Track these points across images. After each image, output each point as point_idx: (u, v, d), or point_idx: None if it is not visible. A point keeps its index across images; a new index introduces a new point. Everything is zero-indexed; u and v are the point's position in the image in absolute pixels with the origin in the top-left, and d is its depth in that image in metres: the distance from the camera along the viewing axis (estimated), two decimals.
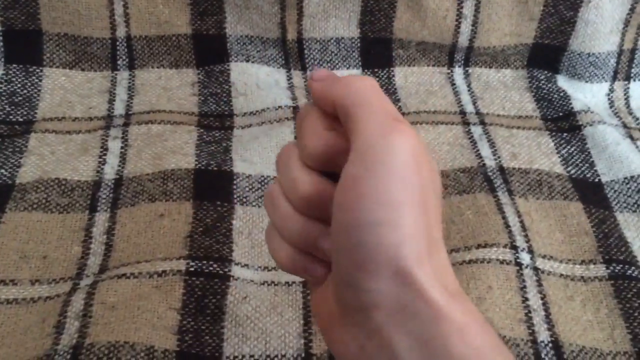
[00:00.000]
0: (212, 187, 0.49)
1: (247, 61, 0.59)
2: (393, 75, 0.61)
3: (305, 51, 0.60)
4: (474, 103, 0.60)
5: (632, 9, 0.59)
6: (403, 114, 0.58)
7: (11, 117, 0.54)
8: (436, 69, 0.62)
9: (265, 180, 0.50)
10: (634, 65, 0.62)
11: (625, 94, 0.62)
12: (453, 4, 0.58)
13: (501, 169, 0.53)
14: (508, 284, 0.43)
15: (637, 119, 0.60)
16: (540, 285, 0.44)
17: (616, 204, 0.51)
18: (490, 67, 0.62)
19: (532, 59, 0.62)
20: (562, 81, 0.61)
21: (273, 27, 0.59)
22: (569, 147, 0.55)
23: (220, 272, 0.43)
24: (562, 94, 0.60)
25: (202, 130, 0.54)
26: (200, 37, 0.58)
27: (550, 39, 0.61)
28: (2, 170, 0.49)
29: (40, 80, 0.56)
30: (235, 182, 0.50)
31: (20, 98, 0.55)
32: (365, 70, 0.61)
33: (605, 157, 0.54)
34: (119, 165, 0.51)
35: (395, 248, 0.22)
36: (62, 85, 0.57)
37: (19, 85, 0.55)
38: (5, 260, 0.44)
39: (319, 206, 0.26)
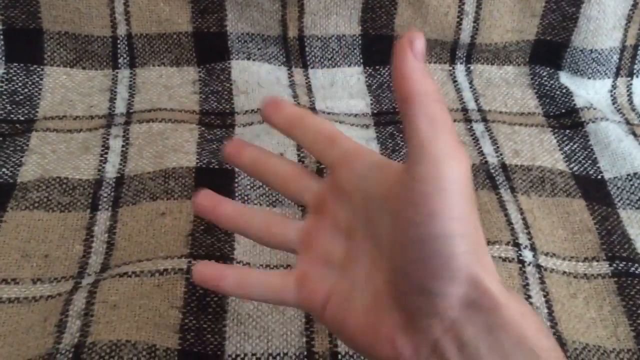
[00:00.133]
0: (213, 186, 0.48)
1: (248, 59, 0.59)
2: None
3: (307, 48, 0.60)
4: (476, 100, 0.60)
5: (634, 5, 0.59)
6: None
7: (12, 115, 0.54)
8: (438, 66, 0.61)
9: None
10: (636, 62, 0.62)
11: (628, 91, 0.62)
12: (454, 1, 0.58)
13: (503, 166, 0.53)
14: (511, 281, 0.43)
15: None
16: (543, 282, 0.44)
17: (619, 201, 0.51)
18: (492, 64, 0.62)
19: (534, 56, 0.61)
20: (565, 78, 0.61)
21: (274, 24, 0.59)
22: (571, 144, 0.55)
23: None
24: (564, 91, 0.60)
25: (203, 129, 0.54)
26: (201, 35, 0.58)
27: (553, 35, 0.60)
28: (4, 169, 0.49)
29: (41, 79, 0.56)
30: (236, 180, 0.50)
31: (21, 97, 0.55)
32: (367, 68, 0.60)
33: (608, 153, 0.54)
34: (120, 164, 0.50)
35: (466, 255, 0.25)
36: (63, 84, 0.57)
37: (19, 84, 0.55)
38: (7, 259, 0.44)
39: None
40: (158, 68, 0.59)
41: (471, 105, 0.59)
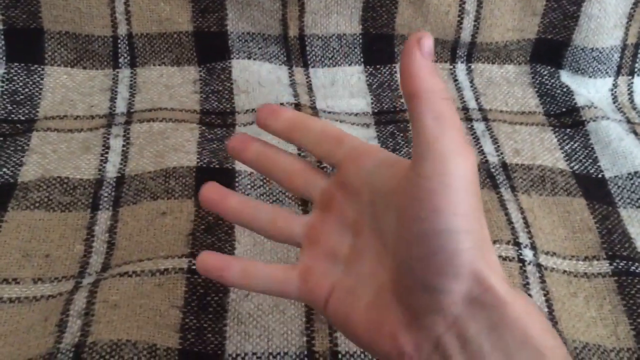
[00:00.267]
0: None
1: (249, 58, 0.59)
2: (395, 72, 0.60)
3: (307, 48, 0.60)
4: (477, 99, 0.59)
5: (635, 4, 0.59)
6: (405, 110, 0.58)
7: (13, 115, 0.54)
8: (438, 64, 0.61)
9: (267, 178, 0.50)
10: (637, 60, 0.61)
11: (629, 89, 0.61)
12: (455, 0, 0.58)
13: (504, 165, 0.53)
14: (511, 280, 0.43)
15: None
16: (543, 281, 0.44)
17: (620, 200, 0.51)
18: (493, 63, 0.62)
19: (535, 55, 0.61)
20: (565, 76, 0.61)
21: (274, 23, 0.59)
22: (572, 142, 0.55)
23: None
24: (565, 90, 0.60)
25: (204, 128, 0.54)
26: (201, 34, 0.58)
27: (553, 34, 0.60)
28: (4, 169, 0.49)
29: (42, 79, 0.56)
30: (237, 179, 0.50)
31: (22, 97, 0.55)
32: (367, 67, 0.60)
33: (609, 152, 0.54)
34: (121, 164, 0.51)
35: (470, 252, 0.25)
36: (64, 84, 0.57)
37: (20, 83, 0.56)
38: (8, 259, 0.44)
39: None
40: (159, 67, 0.59)
41: (472, 104, 0.59)
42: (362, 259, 0.31)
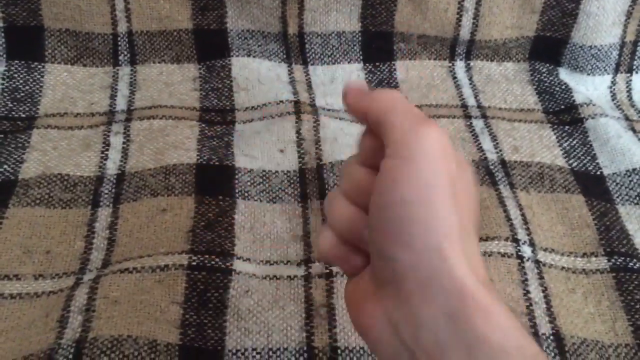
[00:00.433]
0: (213, 182, 0.49)
1: (249, 56, 0.59)
2: (394, 69, 0.61)
3: (307, 45, 0.60)
4: (476, 96, 0.60)
5: (634, 1, 0.59)
6: None
7: (13, 113, 0.54)
8: (437, 62, 0.62)
9: (267, 175, 0.50)
10: (636, 58, 0.62)
11: (627, 87, 0.62)
12: None
13: (503, 162, 0.53)
14: (509, 277, 0.44)
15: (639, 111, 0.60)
16: (541, 278, 0.44)
17: (618, 197, 0.51)
18: (492, 60, 0.62)
19: (534, 52, 0.61)
20: (564, 74, 0.61)
21: (274, 21, 0.59)
22: (570, 140, 0.55)
23: (222, 266, 0.43)
24: (563, 87, 0.60)
25: (203, 125, 0.54)
26: (201, 32, 0.58)
27: (552, 31, 0.60)
28: (5, 166, 0.49)
29: (42, 76, 0.56)
30: (237, 176, 0.50)
31: (22, 94, 0.55)
32: (367, 64, 0.60)
33: (607, 149, 0.54)
34: (121, 161, 0.51)
35: (426, 223, 0.25)
36: (64, 81, 0.57)
37: (21, 81, 0.56)
38: (9, 255, 0.44)
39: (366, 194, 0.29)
40: (158, 65, 0.59)
41: (471, 101, 0.59)
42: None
